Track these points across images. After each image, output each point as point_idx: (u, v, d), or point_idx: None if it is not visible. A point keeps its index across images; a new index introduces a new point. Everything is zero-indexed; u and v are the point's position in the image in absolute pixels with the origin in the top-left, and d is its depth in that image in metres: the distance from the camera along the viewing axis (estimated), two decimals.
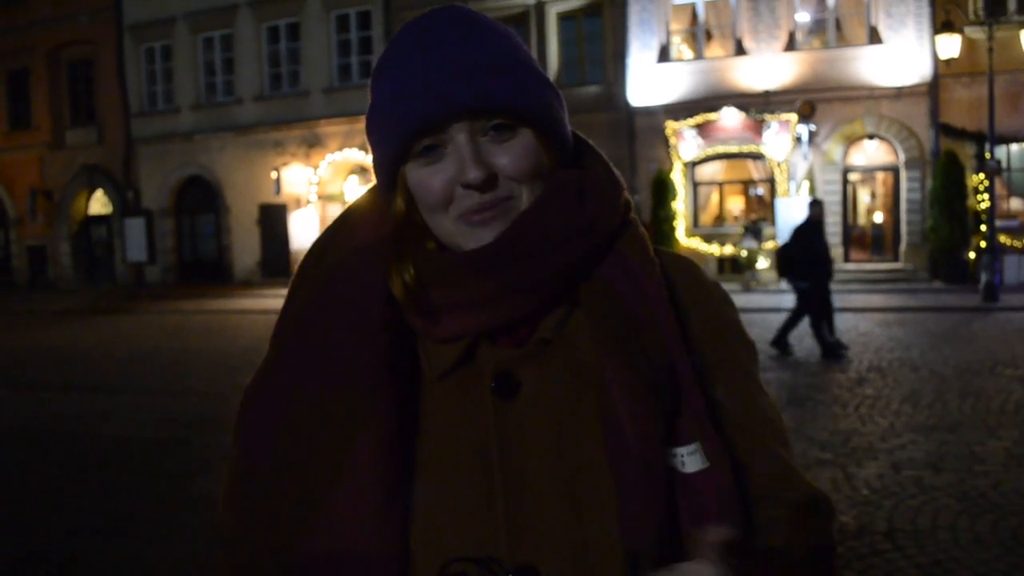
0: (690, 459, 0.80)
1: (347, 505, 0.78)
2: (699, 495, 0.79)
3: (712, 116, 18.62)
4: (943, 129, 17.33)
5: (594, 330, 0.81)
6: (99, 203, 26.42)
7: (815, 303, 9.48)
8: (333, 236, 0.89)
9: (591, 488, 0.79)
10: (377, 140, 0.84)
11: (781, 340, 9.61)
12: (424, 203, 0.82)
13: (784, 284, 17.59)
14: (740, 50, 18.88)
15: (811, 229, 9.54)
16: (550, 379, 0.82)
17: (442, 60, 0.79)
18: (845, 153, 18.57)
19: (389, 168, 0.83)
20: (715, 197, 20.09)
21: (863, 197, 21.28)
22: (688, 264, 0.92)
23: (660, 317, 0.82)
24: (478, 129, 0.80)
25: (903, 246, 18.37)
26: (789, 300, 15.85)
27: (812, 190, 18.19)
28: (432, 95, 0.78)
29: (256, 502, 0.81)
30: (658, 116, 19.21)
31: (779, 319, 13.04)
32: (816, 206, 9.73)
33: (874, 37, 17.96)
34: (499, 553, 0.78)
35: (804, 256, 9.44)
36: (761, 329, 11.78)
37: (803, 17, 18.71)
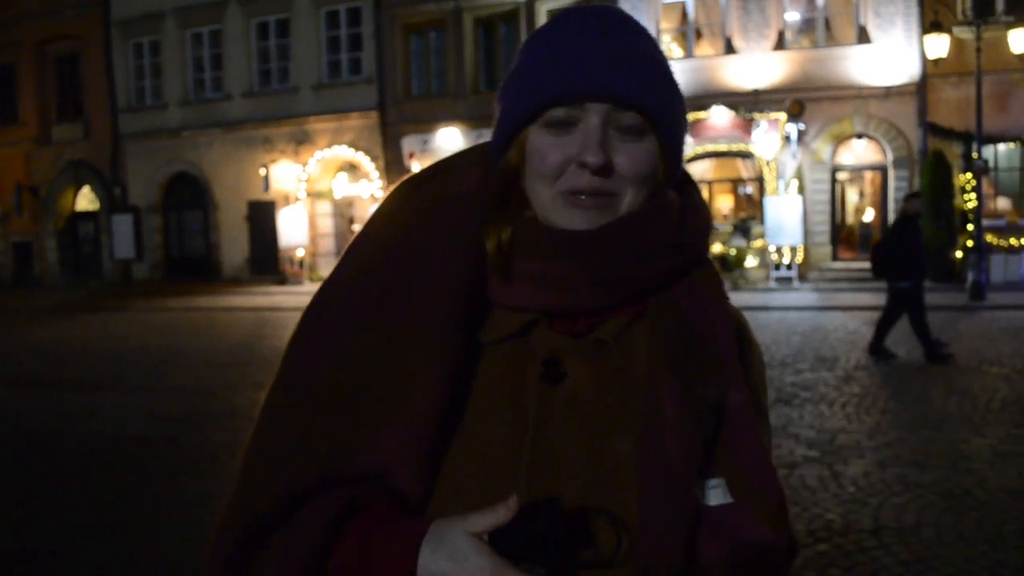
0: (713, 492, 0.82)
1: (394, 442, 0.78)
2: (717, 529, 0.80)
3: (701, 115, 18.65)
4: (931, 129, 17.43)
5: (655, 344, 0.83)
6: (86, 199, 26.25)
7: (913, 303, 8.87)
8: (431, 176, 0.90)
9: (615, 493, 0.79)
10: (513, 97, 0.86)
11: (879, 346, 8.99)
12: (535, 169, 0.84)
13: (773, 283, 17.81)
14: (730, 49, 18.93)
15: (909, 224, 8.91)
16: (597, 379, 0.83)
17: (603, 47, 0.83)
18: (834, 152, 18.65)
19: (514, 126, 0.85)
20: (704, 195, 20.06)
21: (851, 196, 21.37)
22: (742, 316, 0.96)
23: (725, 349, 0.85)
24: (611, 120, 0.82)
25: None
26: (777, 299, 15.99)
27: (801, 189, 18.27)
28: (586, 71, 0.82)
29: (307, 418, 0.80)
30: None
31: (768, 318, 13.11)
32: (914, 200, 9.08)
33: (863, 37, 18.04)
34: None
35: (903, 253, 8.81)
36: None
37: (792, 16, 18.77)
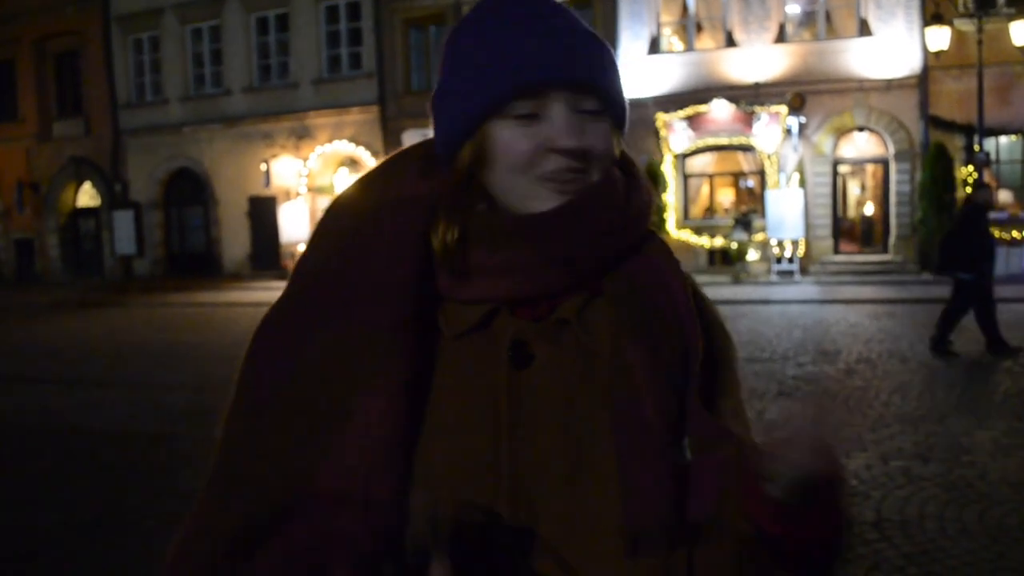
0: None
1: (354, 448, 0.78)
2: (700, 480, 0.82)
3: (702, 108, 18.64)
4: (932, 121, 17.40)
5: (617, 317, 0.84)
6: (87, 195, 26.26)
7: (978, 295, 8.55)
8: (367, 187, 0.89)
9: (594, 465, 0.80)
10: (468, 89, 0.84)
11: (942, 342, 8.62)
12: (506, 162, 0.83)
13: (774, 276, 17.81)
14: (730, 42, 18.88)
15: (977, 215, 8.59)
16: (563, 357, 0.84)
17: (561, 30, 0.84)
18: (835, 145, 18.62)
19: (471, 121, 0.84)
20: (705, 189, 20.12)
21: (853, 189, 21.36)
22: (693, 280, 0.97)
23: (682, 309, 0.86)
24: (573, 105, 0.83)
25: (892, 238, 18.45)
26: (779, 292, 15.99)
27: (802, 182, 18.25)
28: (542, 57, 0.82)
29: (264, 437, 0.80)
30: (648, 108, 19.20)
31: (769, 311, 13.10)
32: (981, 191, 8.82)
33: (864, 29, 18.00)
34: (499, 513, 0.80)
35: (969, 245, 8.45)
36: (751, 321, 11.82)
37: (793, 9, 18.73)
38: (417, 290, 0.83)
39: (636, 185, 0.91)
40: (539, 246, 0.82)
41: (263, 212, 22.89)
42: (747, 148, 18.93)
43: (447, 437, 0.82)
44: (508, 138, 0.83)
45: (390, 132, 21.17)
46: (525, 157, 0.82)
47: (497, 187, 0.84)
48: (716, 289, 15.25)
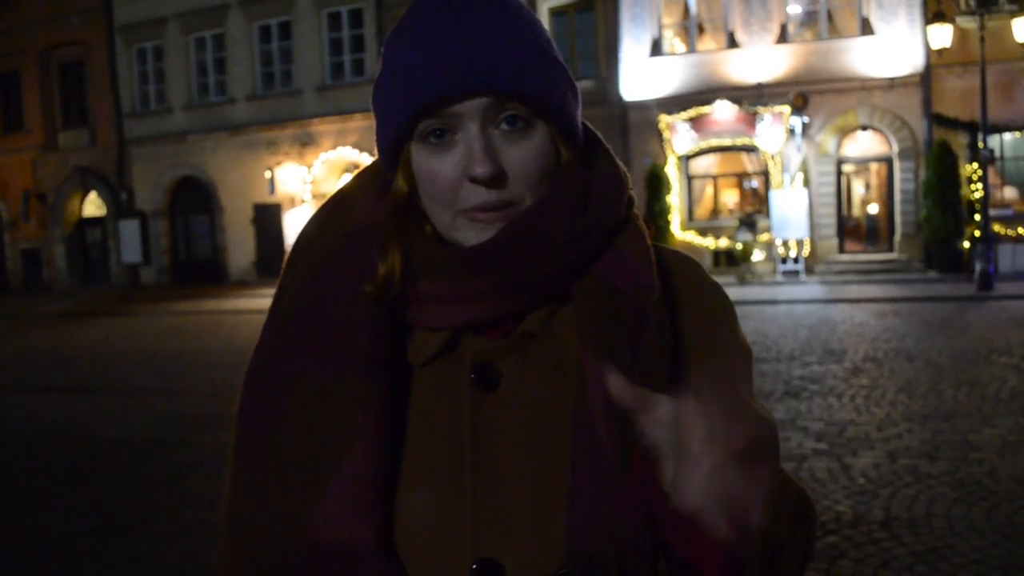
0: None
1: (345, 493, 0.76)
2: (629, 491, 0.75)
3: (705, 109, 18.63)
4: (936, 119, 17.37)
5: (581, 323, 0.78)
6: (93, 205, 26.35)
7: None
8: (325, 221, 0.86)
9: (556, 485, 0.76)
10: (382, 113, 0.79)
11: None
12: (427, 192, 0.78)
13: (780, 276, 17.77)
14: (732, 43, 18.88)
15: None
16: (531, 373, 0.80)
17: (462, 35, 0.75)
18: (839, 145, 18.60)
19: (391, 145, 0.79)
20: (709, 190, 20.10)
21: (857, 188, 21.32)
22: (688, 263, 0.89)
23: (643, 300, 0.79)
24: (491, 118, 0.76)
25: (897, 236, 18.41)
26: (784, 292, 15.95)
27: (806, 182, 18.23)
28: (445, 71, 0.74)
29: (260, 490, 0.80)
30: (651, 110, 19.21)
31: (775, 311, 13.10)
32: None
33: (866, 28, 17.98)
34: (464, 545, 0.77)
35: None
36: (757, 321, 11.82)
37: (795, 9, 18.72)
38: (386, 323, 0.80)
39: (599, 179, 0.82)
40: (484, 277, 0.77)
41: (268, 219, 22.95)
42: (751, 149, 18.91)
43: (414, 468, 0.79)
44: (425, 165, 0.77)
45: None
46: (444, 187, 0.77)
47: (430, 216, 0.80)
48: None
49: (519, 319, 0.81)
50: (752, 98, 18.31)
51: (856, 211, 21.14)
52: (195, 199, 24.54)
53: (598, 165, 0.83)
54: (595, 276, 0.80)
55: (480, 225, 0.77)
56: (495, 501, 0.77)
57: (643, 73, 19.32)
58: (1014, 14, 15.74)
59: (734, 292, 15.36)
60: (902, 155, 18.00)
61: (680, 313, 0.82)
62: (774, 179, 18.48)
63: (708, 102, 18.56)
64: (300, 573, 0.76)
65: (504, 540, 0.76)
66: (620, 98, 19.44)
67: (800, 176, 18.28)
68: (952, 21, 15.97)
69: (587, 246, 0.79)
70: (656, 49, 19.40)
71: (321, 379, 0.79)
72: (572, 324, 0.80)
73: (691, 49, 19.51)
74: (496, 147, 0.76)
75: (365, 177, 0.87)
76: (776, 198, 17.95)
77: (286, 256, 0.88)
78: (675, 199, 19.11)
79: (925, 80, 17.46)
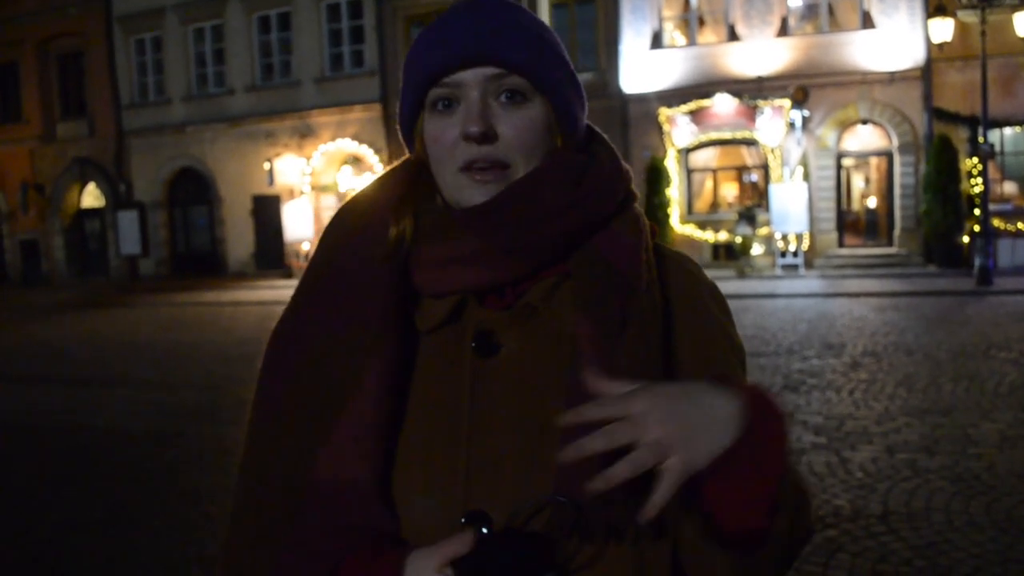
0: None
1: (349, 434, 0.82)
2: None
3: (705, 102, 18.60)
4: (936, 113, 17.34)
5: (578, 298, 0.84)
6: (91, 196, 26.31)
7: None
8: (364, 193, 0.94)
9: (547, 447, 0.79)
10: (403, 89, 0.90)
11: None
12: (433, 155, 0.87)
13: (779, 270, 17.77)
14: (733, 36, 18.84)
15: None
16: (530, 344, 0.86)
17: (475, 22, 0.85)
18: (839, 138, 18.57)
19: (408, 118, 0.90)
20: (709, 184, 20.09)
21: (857, 182, 21.30)
22: (684, 260, 0.95)
23: (635, 280, 0.85)
24: (492, 90, 0.84)
25: (897, 231, 18.41)
26: (784, 286, 15.95)
27: (806, 176, 18.22)
28: (453, 46, 0.84)
29: (273, 430, 0.86)
30: (651, 103, 19.18)
31: (774, 305, 13.10)
32: None
33: (867, 22, 17.94)
34: (455, 497, 0.82)
35: None
36: (756, 315, 11.82)
37: (795, 2, 18.67)
38: (399, 288, 0.86)
39: (596, 165, 0.89)
40: (481, 236, 0.83)
41: (267, 211, 22.91)
42: (750, 142, 18.89)
43: (416, 429, 0.85)
44: (431, 129, 0.87)
45: (393, 130, 21.00)
46: (446, 147, 0.85)
47: (438, 183, 0.88)
48: (721, 284, 15.10)
49: (521, 292, 0.87)
50: (752, 91, 18.28)
51: (856, 205, 21.13)
52: (194, 190, 24.50)
53: (598, 155, 0.90)
54: (593, 250, 0.86)
55: (478, 185, 0.84)
56: (488, 458, 0.83)
57: (643, 66, 19.28)
58: (1015, 8, 15.70)
59: (733, 286, 15.37)
60: (902, 149, 17.98)
61: (673, 303, 0.89)
62: (774, 173, 18.46)
63: (708, 95, 18.53)
64: (301, 514, 0.82)
65: (494, 494, 0.81)
66: (620, 91, 19.40)
67: (800, 170, 18.26)
68: (953, 15, 15.92)
69: (578, 218, 0.85)
70: (656, 42, 19.35)
71: (334, 332, 0.86)
72: (571, 298, 0.85)
73: (691, 42, 19.46)
74: (493, 112, 0.84)
75: (408, 159, 0.95)
76: (776, 192, 17.94)
77: (330, 219, 0.96)
78: (675, 192, 19.10)
79: (926, 74, 17.43)
